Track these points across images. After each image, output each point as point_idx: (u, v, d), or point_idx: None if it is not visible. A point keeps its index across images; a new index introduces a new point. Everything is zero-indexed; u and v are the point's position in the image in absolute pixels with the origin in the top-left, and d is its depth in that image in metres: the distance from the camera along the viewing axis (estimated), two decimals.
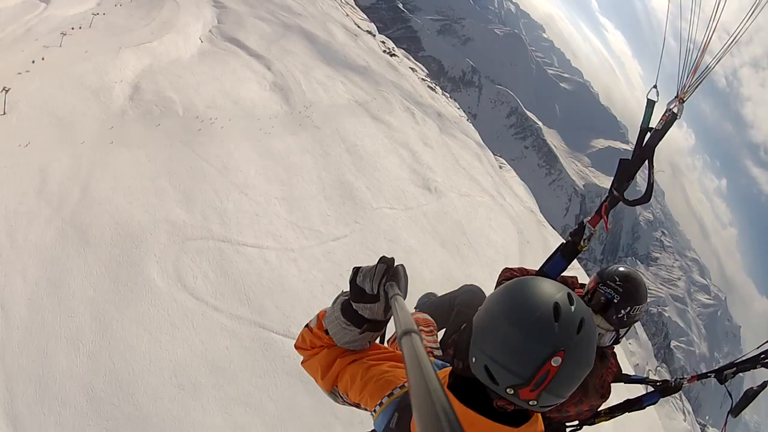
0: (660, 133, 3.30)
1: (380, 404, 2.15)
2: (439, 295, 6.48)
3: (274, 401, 6.29)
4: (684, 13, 3.40)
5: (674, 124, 3.41)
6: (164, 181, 8.62)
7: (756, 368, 3.81)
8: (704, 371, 4.01)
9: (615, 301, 3.32)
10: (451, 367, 2.17)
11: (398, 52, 28.13)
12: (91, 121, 9.42)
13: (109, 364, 5.81)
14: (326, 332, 2.39)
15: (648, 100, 3.33)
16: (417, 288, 9.32)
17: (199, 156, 9.51)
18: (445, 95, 29.59)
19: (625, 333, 3.57)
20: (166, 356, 6.15)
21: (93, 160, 8.46)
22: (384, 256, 2.20)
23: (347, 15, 28.19)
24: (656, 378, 4.02)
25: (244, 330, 6.86)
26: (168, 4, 16.25)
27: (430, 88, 26.44)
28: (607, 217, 3.58)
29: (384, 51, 25.23)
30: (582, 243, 3.42)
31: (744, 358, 3.87)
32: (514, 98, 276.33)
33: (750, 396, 3.75)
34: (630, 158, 3.39)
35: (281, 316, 7.25)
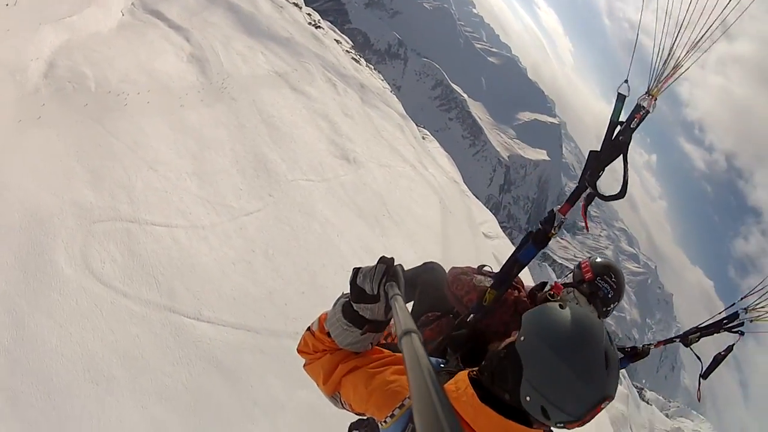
0: (632, 130, 3.15)
1: (391, 416, 2.10)
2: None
3: (190, 391, 6.00)
4: (654, 5, 3.29)
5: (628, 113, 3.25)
6: (73, 160, 8.00)
7: (719, 332, 3.89)
8: (670, 337, 4.13)
9: (610, 296, 3.44)
10: (463, 372, 2.18)
11: (324, 24, 27.41)
12: (4, 102, 8.72)
13: (24, 362, 5.39)
14: (328, 335, 2.33)
15: (618, 94, 3.17)
16: (333, 261, 9.08)
17: (110, 132, 8.88)
18: (369, 67, 29.18)
19: None
20: (77, 350, 5.74)
21: (2, 143, 7.81)
22: (383, 257, 2.11)
23: None
24: (625, 345, 4.04)
25: (153, 315, 6.48)
26: None
27: (355, 60, 25.95)
28: (586, 215, 3.49)
29: (309, 23, 24.53)
30: (553, 230, 3.26)
31: (708, 323, 3.92)
32: (440, 71, 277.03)
33: (718, 360, 3.86)
34: (599, 150, 3.20)
35: (192, 299, 6.89)
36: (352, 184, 11.30)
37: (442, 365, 2.67)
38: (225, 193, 8.90)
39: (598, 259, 3.70)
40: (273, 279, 7.98)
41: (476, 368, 2.18)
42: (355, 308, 2.15)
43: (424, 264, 5.60)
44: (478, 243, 15.09)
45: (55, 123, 8.66)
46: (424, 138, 23.29)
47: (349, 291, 2.23)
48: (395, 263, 2.10)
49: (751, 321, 3.65)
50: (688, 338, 3.97)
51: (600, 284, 3.45)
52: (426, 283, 4.90)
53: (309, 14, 26.57)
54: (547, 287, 3.74)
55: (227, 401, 6.12)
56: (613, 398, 1.86)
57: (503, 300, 3.29)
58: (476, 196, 22.27)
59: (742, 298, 3.81)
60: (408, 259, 10.51)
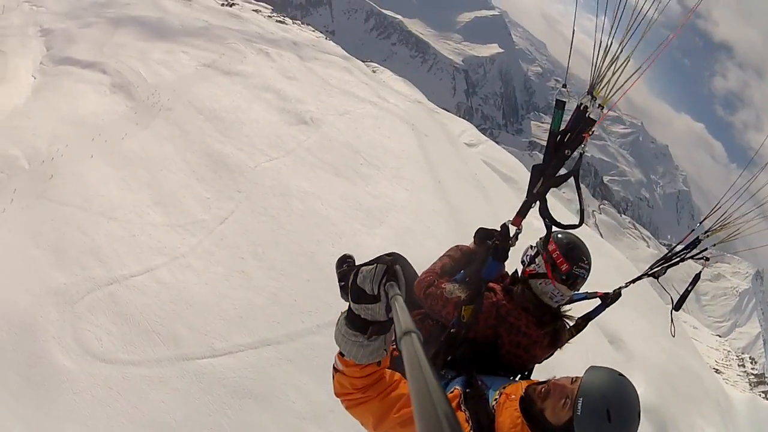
0: (576, 143, 2.82)
1: None
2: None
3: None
4: None
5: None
6: (31, 248, 7.24)
7: (684, 260, 3.82)
8: (639, 275, 4.01)
9: (585, 276, 3.33)
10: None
11: None
12: None
13: None
14: (342, 355, 2.15)
15: (557, 100, 2.82)
16: (327, 233, 8.20)
17: (56, 202, 8.02)
18: (296, 24, 28.00)
19: None
20: None
21: None
22: (383, 256, 1.99)
23: None
24: (596, 291, 3.90)
25: (168, 371, 5.81)
26: None
27: (280, 22, 24.74)
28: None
29: (222, 4, 23.32)
30: (511, 243, 3.17)
31: (670, 254, 3.87)
32: (367, 1, 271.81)
33: (688, 290, 3.76)
34: (542, 164, 2.93)
35: (199, 337, 6.14)
36: (318, 145, 10.18)
37: (467, 390, 2.61)
38: (192, 209, 7.91)
39: (565, 239, 3.39)
40: (272, 278, 7.04)
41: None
42: (356, 312, 1.97)
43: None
44: (462, 156, 14.10)
45: (2, 219, 7.82)
46: (374, 72, 22.36)
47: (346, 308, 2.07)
48: (395, 265, 1.91)
49: (714, 245, 3.69)
50: (655, 272, 3.91)
51: (577, 272, 3.28)
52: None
53: None
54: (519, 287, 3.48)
55: (274, 427, 5.44)
56: None
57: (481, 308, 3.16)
58: (445, 110, 21.46)
59: (699, 223, 3.75)
60: (400, 198, 9.75)
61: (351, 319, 2.01)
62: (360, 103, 13.10)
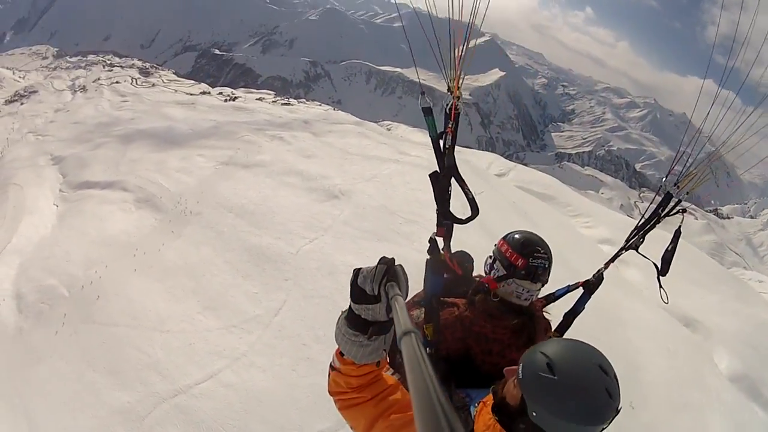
0: (452, 141, 3.01)
1: None
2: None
3: None
4: None
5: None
6: (89, 373, 7.32)
7: (660, 222, 3.72)
8: (616, 252, 3.92)
9: (547, 266, 3.28)
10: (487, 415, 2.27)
11: (239, 92, 26.99)
12: None
13: None
14: (342, 354, 2.19)
15: (423, 108, 3.04)
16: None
17: (105, 323, 8.19)
18: (302, 102, 28.89)
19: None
20: None
21: (12, 402, 7.23)
22: (384, 257, 2.00)
23: (176, 91, 26.98)
24: (578, 281, 3.83)
25: None
26: (11, 191, 15.09)
27: (285, 104, 25.59)
28: (452, 260, 3.39)
29: (225, 100, 24.13)
30: (442, 253, 3.22)
31: (643, 220, 3.75)
32: (362, 63, 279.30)
33: (672, 251, 3.68)
34: (437, 172, 3.11)
35: (275, 430, 6.03)
36: (354, 215, 10.35)
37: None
38: (243, 306, 8.02)
39: (516, 236, 3.42)
40: None
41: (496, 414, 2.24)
42: (356, 312, 2.04)
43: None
44: (496, 187, 14.19)
45: (53, 349, 8.00)
46: (389, 129, 22.82)
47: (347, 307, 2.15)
48: (395, 265, 1.98)
49: (687, 193, 3.54)
50: (633, 243, 3.82)
51: (535, 264, 3.26)
52: None
53: (220, 92, 26.06)
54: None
55: None
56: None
57: (444, 323, 3.21)
58: (467, 147, 21.74)
59: (664, 179, 3.67)
60: (454, 244, 9.67)
61: (351, 319, 2.06)
62: (384, 164, 13.32)
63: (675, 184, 3.54)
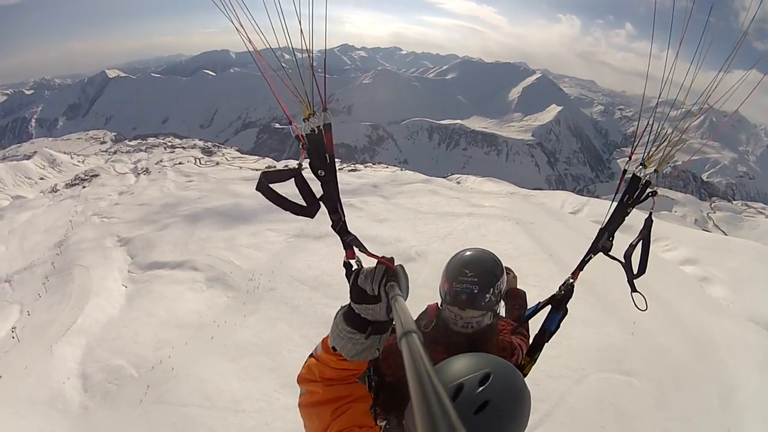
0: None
1: None
2: None
3: None
4: None
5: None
6: None
7: (628, 213, 3.43)
8: (582, 259, 3.54)
9: (476, 291, 3.15)
10: None
11: (304, 163, 27.53)
12: None
13: None
14: (333, 350, 2.16)
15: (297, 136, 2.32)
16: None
17: (176, 404, 8.38)
18: (368, 166, 29.29)
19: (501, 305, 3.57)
20: None
21: None
22: (384, 257, 2.01)
23: (241, 168, 27.79)
24: (544, 298, 3.65)
25: None
26: (77, 272, 15.74)
27: (352, 170, 25.90)
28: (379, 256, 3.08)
29: None
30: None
31: (607, 220, 3.45)
32: (422, 120, 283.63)
33: (646, 248, 3.49)
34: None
35: None
36: (432, 276, 10.31)
37: None
38: None
39: (453, 257, 3.29)
40: None
41: None
42: (356, 311, 2.05)
43: None
44: (572, 226, 14.31)
45: (120, 428, 8.19)
46: (459, 183, 22.88)
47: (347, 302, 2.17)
48: (396, 265, 2.00)
49: (656, 171, 3.27)
50: (602, 247, 3.51)
51: (458, 288, 3.17)
52: None
53: (286, 166, 26.47)
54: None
55: None
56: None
57: (389, 348, 2.95)
58: (539, 189, 21.61)
59: (628, 162, 3.39)
60: (532, 297, 9.47)
61: (350, 317, 2.09)
62: (457, 219, 13.49)
63: (641, 164, 3.27)
